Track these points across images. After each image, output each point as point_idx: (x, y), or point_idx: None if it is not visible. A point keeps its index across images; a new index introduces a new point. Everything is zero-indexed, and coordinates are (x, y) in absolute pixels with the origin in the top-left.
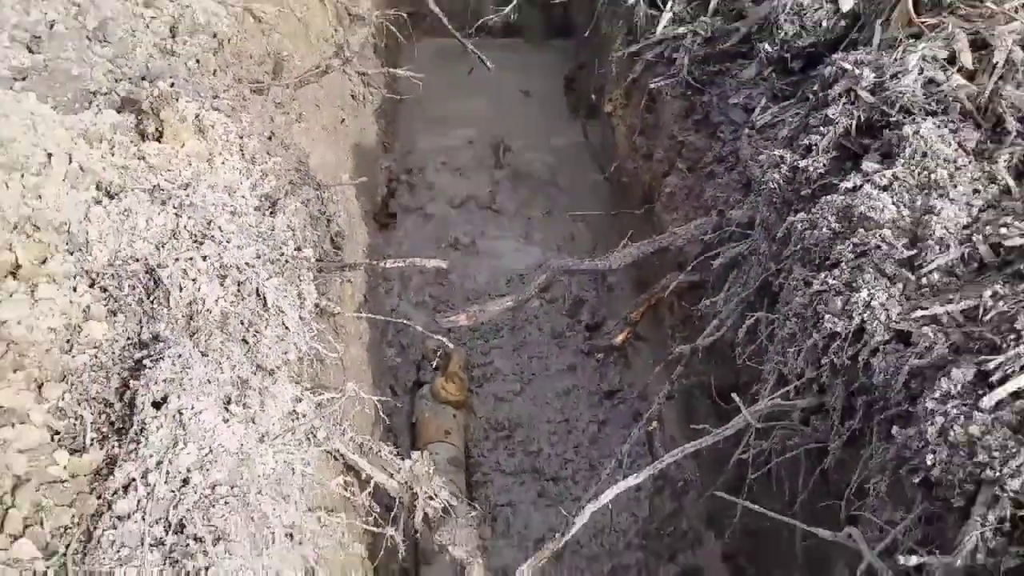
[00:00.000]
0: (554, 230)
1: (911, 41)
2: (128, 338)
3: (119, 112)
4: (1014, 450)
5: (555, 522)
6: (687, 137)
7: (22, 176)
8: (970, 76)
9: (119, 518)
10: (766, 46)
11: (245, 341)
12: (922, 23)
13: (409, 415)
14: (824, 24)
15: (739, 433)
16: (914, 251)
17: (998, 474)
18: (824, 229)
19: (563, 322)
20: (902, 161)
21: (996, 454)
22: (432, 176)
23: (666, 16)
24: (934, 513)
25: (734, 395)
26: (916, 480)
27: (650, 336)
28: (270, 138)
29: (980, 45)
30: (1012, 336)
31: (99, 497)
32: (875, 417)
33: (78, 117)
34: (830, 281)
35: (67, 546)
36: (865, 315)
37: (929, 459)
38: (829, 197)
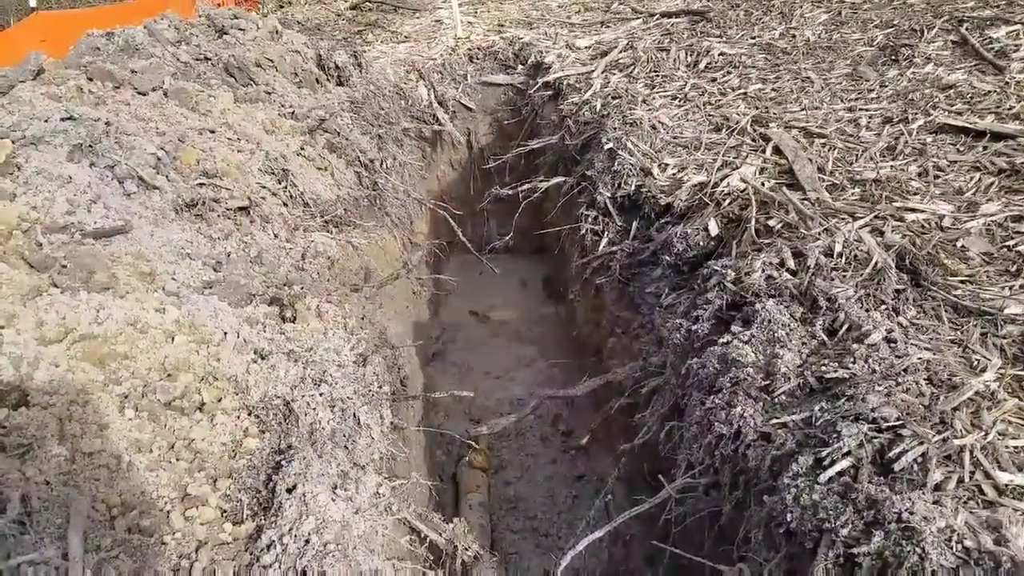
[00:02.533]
0: (540, 372)
1: (755, 253)
2: (272, 447)
3: (269, 305)
4: (841, 509)
5: (548, 564)
6: (621, 313)
7: (207, 347)
8: (793, 273)
9: (264, 567)
10: (667, 257)
11: (346, 447)
12: (761, 242)
13: (452, 477)
14: (701, 243)
15: (664, 501)
16: (768, 382)
17: (833, 525)
18: (711, 368)
19: (548, 430)
20: (756, 325)
21: (831, 512)
22: (463, 340)
23: (604, 241)
24: (794, 553)
25: (660, 476)
26: (781, 531)
27: (604, 438)
28: (362, 318)
29: (798, 254)
30: (834, 435)
31: (251, 553)
32: (751, 489)
33: (243, 309)
34: (716, 401)
35: None
36: (740, 423)
37: (788, 516)
38: (712, 348)
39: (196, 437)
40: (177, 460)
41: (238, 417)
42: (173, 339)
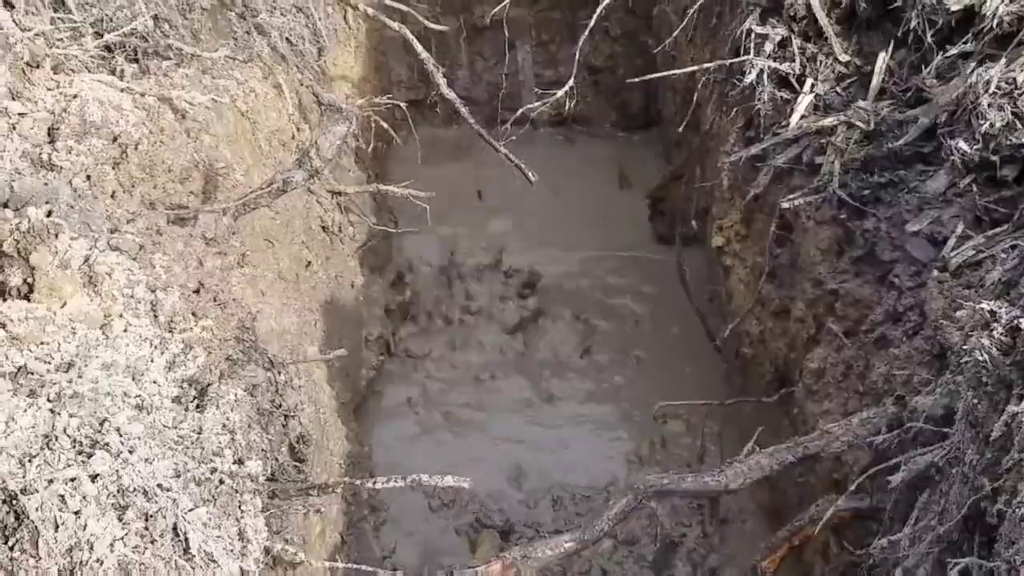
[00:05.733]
0: (636, 428)
1: None
2: None
3: None
4: None
5: None
6: (843, 284)
7: None
8: None
9: None
10: (961, 144)
11: None
12: None
13: None
14: None
15: None
16: None
17: None
18: None
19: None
20: None
21: None
22: (446, 338)
23: (805, 100)
24: None
25: None
26: None
27: None
28: (197, 291)
29: None
30: None
31: None
32: None
33: None
34: None
35: None
36: None
37: None
38: None
39: None
40: None
41: None
42: None
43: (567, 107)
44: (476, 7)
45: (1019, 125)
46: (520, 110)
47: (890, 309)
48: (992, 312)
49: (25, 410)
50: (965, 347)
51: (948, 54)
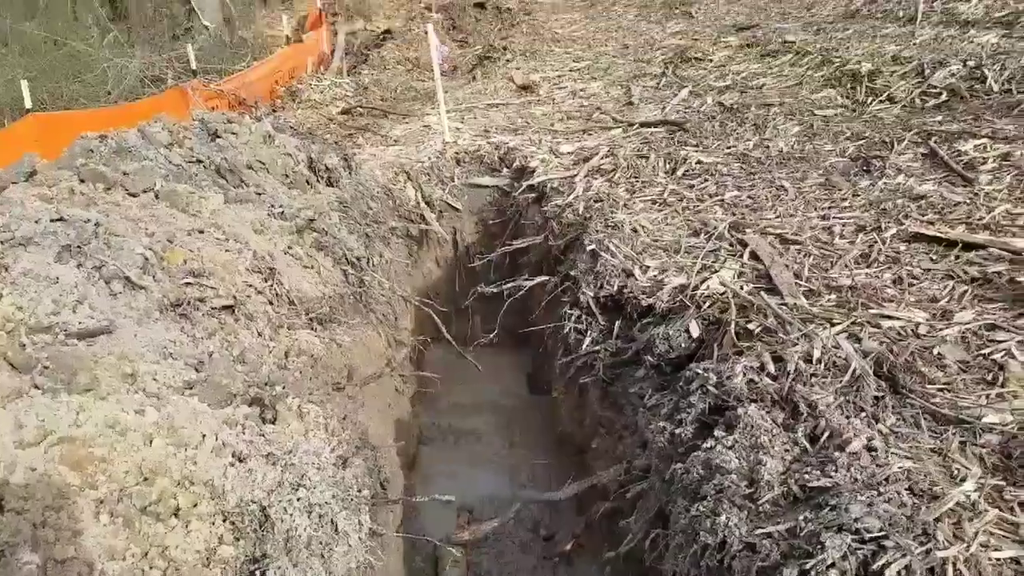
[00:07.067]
0: (522, 471)
1: (736, 356)
2: (247, 555)
3: (249, 406)
4: None
5: None
6: (605, 413)
7: (185, 450)
8: (774, 378)
9: None
10: (649, 358)
11: (322, 556)
12: (741, 346)
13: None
14: (683, 345)
15: None
16: (752, 489)
17: None
18: (695, 474)
19: (528, 535)
20: (739, 430)
21: None
22: (445, 437)
23: (587, 340)
24: None
25: None
26: None
27: (588, 544)
28: (344, 419)
29: (778, 359)
30: (819, 546)
31: None
32: None
33: (223, 411)
34: (701, 509)
35: None
36: (725, 532)
37: None
38: (696, 453)
39: (170, 544)
40: (151, 568)
41: (213, 523)
42: (151, 442)
43: (494, 340)
44: (459, 300)
45: (671, 350)
46: (476, 342)
47: (624, 423)
48: (664, 426)
49: (270, 470)
50: (654, 440)
51: (644, 321)
